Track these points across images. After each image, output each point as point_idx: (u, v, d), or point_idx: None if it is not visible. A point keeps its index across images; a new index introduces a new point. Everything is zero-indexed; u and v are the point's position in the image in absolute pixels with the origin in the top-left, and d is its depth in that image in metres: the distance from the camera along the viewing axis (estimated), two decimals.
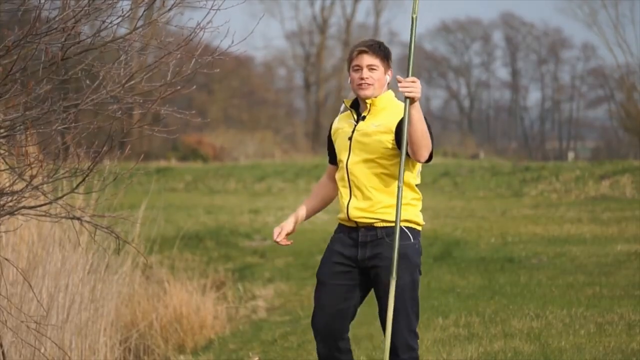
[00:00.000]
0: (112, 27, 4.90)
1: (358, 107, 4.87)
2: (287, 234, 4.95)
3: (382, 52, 4.78)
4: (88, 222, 5.20)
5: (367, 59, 4.75)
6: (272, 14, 51.35)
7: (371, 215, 4.74)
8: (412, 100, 4.51)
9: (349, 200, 4.77)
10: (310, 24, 50.77)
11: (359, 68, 4.76)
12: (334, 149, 4.94)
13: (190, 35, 4.95)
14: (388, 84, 4.83)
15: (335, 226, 4.92)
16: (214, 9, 4.94)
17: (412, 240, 4.76)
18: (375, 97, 4.78)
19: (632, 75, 47.68)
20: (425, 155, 4.61)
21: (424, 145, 4.57)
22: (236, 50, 5.08)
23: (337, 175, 4.88)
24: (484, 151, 46.87)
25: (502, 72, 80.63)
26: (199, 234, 16.04)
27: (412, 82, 4.50)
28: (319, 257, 5.07)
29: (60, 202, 5.19)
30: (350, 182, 4.77)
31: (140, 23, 4.97)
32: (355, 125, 4.80)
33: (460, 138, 54.26)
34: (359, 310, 4.93)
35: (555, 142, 59.23)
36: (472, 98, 61.17)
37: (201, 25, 4.93)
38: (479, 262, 12.48)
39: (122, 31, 5.00)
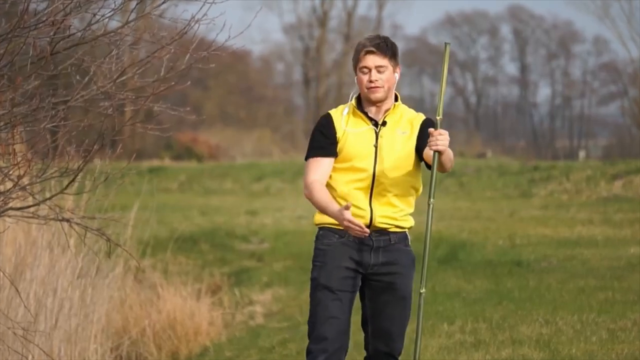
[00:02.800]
0: (104, 21, 4.90)
1: (362, 108, 4.84)
2: None
3: (390, 50, 4.76)
4: (78, 224, 5.21)
5: (376, 60, 4.74)
6: (269, 6, 51.36)
7: (393, 222, 4.81)
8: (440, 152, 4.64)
9: (371, 206, 4.77)
10: (310, 17, 50.79)
11: (368, 70, 4.75)
12: (334, 147, 4.81)
13: (185, 28, 4.95)
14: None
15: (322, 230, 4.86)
16: (209, 2, 4.94)
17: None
18: (387, 97, 4.79)
19: None
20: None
21: (451, 166, 4.84)
22: (233, 45, 5.08)
23: (347, 179, 4.77)
24: (491, 150, 46.86)
25: (510, 67, 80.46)
26: (194, 236, 16.03)
27: (441, 135, 4.60)
28: None
29: (48, 203, 5.20)
30: (375, 188, 4.76)
31: (132, 16, 4.97)
32: (377, 132, 4.79)
33: (467, 136, 54.21)
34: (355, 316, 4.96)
35: (566, 140, 59.21)
36: (478, 94, 61.18)
37: (196, 18, 4.93)
38: (486, 266, 12.48)
39: (114, 24, 5.00)
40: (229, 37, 5.00)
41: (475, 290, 10.60)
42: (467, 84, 61.54)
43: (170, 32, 5.02)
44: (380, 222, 4.77)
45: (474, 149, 46.02)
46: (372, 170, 4.75)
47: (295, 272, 13.57)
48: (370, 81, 4.74)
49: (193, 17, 4.95)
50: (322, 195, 4.74)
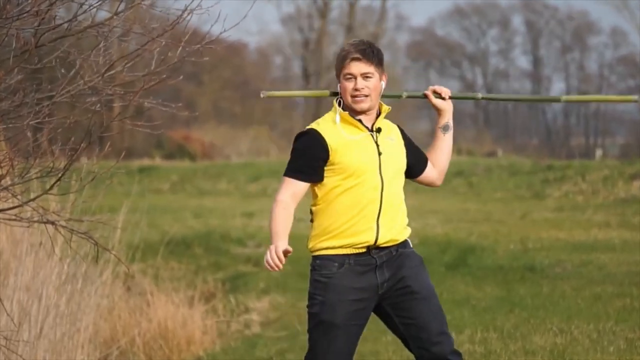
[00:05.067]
0: (91, 11, 4.90)
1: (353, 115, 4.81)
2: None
3: (376, 57, 4.75)
4: (64, 226, 5.21)
5: (361, 67, 4.71)
6: None
7: (397, 237, 4.78)
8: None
9: (378, 224, 4.70)
10: (310, 7, 50.79)
11: (352, 77, 4.71)
12: (319, 171, 4.73)
13: (177, 19, 4.95)
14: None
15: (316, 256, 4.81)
16: None
17: None
18: (374, 107, 4.77)
19: None
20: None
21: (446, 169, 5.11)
22: (228, 37, 5.08)
23: (354, 199, 4.69)
24: (502, 148, 46.84)
25: (522, 61, 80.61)
26: (186, 239, 16.03)
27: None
28: None
29: (32, 204, 5.19)
30: (383, 202, 4.71)
31: (121, 6, 4.97)
32: (376, 139, 4.76)
33: (476, 134, 54.24)
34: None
35: (581, 138, 59.24)
36: (488, 89, 61.13)
37: (189, 8, 4.93)
38: (497, 271, 12.49)
39: (102, 15, 5.00)
40: (224, 29, 5.00)
41: (485, 298, 10.61)
42: (477, 79, 61.58)
43: (162, 23, 5.02)
44: (385, 239, 4.73)
45: (484, 148, 46.01)
46: (380, 182, 4.70)
47: (294, 278, 13.57)
48: (356, 89, 4.70)
49: (186, 8, 4.95)
50: (281, 219, 4.76)
